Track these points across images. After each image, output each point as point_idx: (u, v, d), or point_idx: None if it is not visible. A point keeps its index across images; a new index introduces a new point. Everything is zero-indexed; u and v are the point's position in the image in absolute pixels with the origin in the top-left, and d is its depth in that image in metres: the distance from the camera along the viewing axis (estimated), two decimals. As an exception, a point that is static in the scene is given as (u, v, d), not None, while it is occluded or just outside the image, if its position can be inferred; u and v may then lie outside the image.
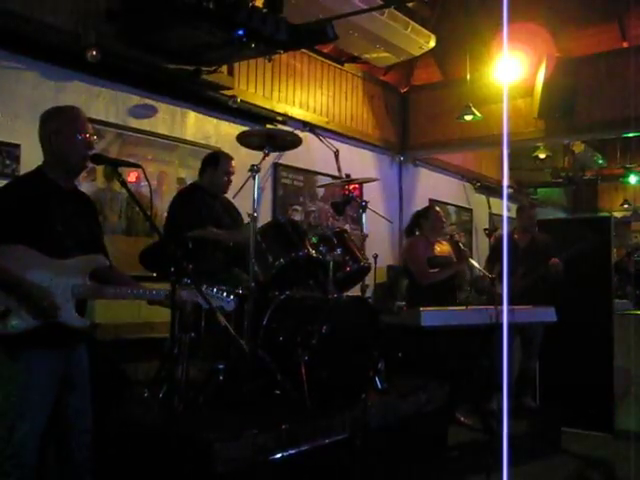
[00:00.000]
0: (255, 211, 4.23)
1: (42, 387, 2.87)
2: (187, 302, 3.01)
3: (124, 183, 2.88)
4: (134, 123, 5.76)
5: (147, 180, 3.10)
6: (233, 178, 4.76)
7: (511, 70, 7.36)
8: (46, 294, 2.79)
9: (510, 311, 5.20)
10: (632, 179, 12.71)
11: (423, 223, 6.26)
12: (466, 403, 5.75)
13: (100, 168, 5.24)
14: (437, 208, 6.69)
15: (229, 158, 4.80)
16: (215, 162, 4.77)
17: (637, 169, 12.55)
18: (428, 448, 4.84)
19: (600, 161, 11.93)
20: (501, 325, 4.93)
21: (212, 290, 3.20)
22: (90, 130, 3.08)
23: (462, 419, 5.78)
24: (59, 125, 3.02)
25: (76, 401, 3.04)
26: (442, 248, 6.26)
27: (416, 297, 6.08)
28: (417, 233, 6.29)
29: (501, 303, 5.09)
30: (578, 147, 11.01)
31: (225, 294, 3.23)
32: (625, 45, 7.97)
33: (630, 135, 8.56)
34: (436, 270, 6.00)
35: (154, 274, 4.22)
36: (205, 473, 3.26)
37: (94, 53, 4.95)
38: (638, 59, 7.21)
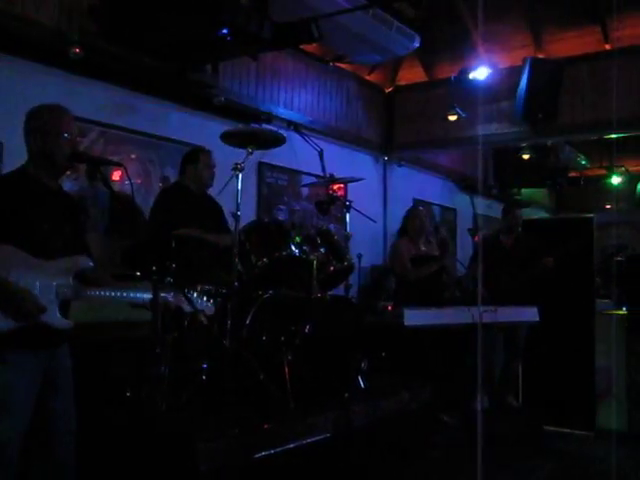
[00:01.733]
0: (238, 210, 4.23)
1: (24, 388, 2.85)
2: (171, 305, 2.99)
3: (106, 182, 2.87)
4: (117, 121, 5.72)
5: (129, 179, 3.08)
6: (215, 171, 4.75)
7: (493, 70, 7.41)
8: (29, 296, 2.76)
9: (493, 311, 5.23)
10: (615, 180, 12.81)
11: (407, 224, 6.35)
12: (449, 402, 5.77)
13: (83, 166, 5.20)
14: (420, 208, 6.74)
15: (208, 152, 4.80)
16: (195, 158, 4.76)
17: (620, 170, 12.65)
18: (411, 447, 4.85)
19: (583, 162, 12.00)
20: (484, 325, 4.98)
21: (192, 294, 3.19)
22: (75, 130, 3.06)
23: (445, 418, 5.80)
24: (44, 123, 2.98)
25: (59, 402, 3.02)
26: (428, 247, 6.30)
27: (403, 296, 6.12)
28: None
29: (485, 303, 5.14)
30: (562, 148, 11.08)
31: (205, 298, 3.21)
32: (607, 47, 8.03)
33: (612, 136, 8.62)
34: (418, 269, 6.05)
35: (137, 273, 4.21)
36: (188, 472, 3.25)
37: (77, 50, 4.93)
38: (620, 61, 7.27)
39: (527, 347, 6.25)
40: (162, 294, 2.85)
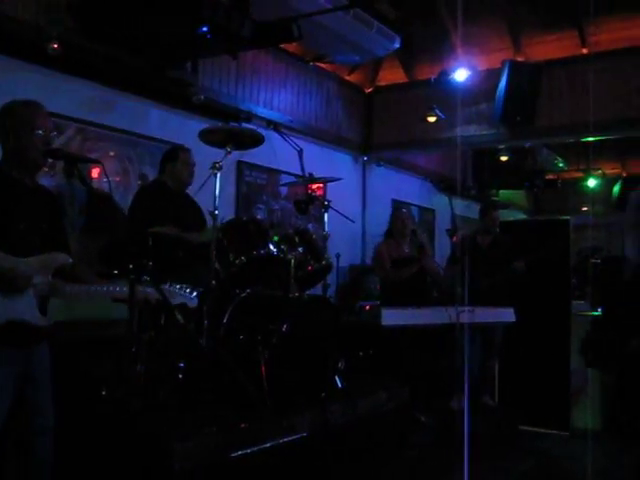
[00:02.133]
0: (217, 209, 4.22)
1: (2, 384, 2.82)
2: (151, 299, 2.97)
3: (83, 179, 2.85)
4: (96, 118, 5.69)
5: (107, 176, 3.07)
6: (194, 170, 4.74)
7: (473, 72, 7.46)
8: (15, 265, 2.74)
9: (470, 311, 5.27)
10: (591, 182, 12.93)
11: (391, 225, 6.44)
12: (427, 402, 5.79)
13: (61, 163, 5.16)
14: (403, 210, 6.79)
15: (187, 150, 4.78)
16: (174, 156, 4.74)
17: (597, 173, 12.77)
18: (388, 447, 4.87)
19: (561, 164, 12.11)
20: (462, 325, 5.02)
21: (175, 287, 3.18)
22: (50, 126, 3.02)
23: (422, 418, 5.82)
24: (18, 120, 2.95)
25: (37, 400, 3.00)
26: (411, 248, 6.35)
27: (387, 297, 6.16)
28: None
29: (462, 303, 5.17)
30: (539, 151, 11.18)
31: (188, 290, 3.20)
32: (584, 51, 8.11)
33: (589, 139, 8.70)
34: (397, 271, 6.08)
35: (115, 271, 4.18)
36: (164, 471, 3.24)
37: (55, 46, 4.89)
38: (596, 65, 7.36)
39: (503, 347, 6.29)
40: (142, 288, 2.83)
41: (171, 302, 2.88)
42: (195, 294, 3.24)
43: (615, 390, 3.20)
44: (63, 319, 4.62)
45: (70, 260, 3.03)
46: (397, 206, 8.89)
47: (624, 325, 3.20)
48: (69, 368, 4.32)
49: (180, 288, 3.21)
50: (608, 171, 13.04)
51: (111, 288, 3.01)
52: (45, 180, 5.13)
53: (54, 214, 3.14)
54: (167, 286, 3.02)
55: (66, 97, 5.42)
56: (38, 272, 2.86)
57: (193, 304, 3.24)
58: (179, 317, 2.84)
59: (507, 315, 5.79)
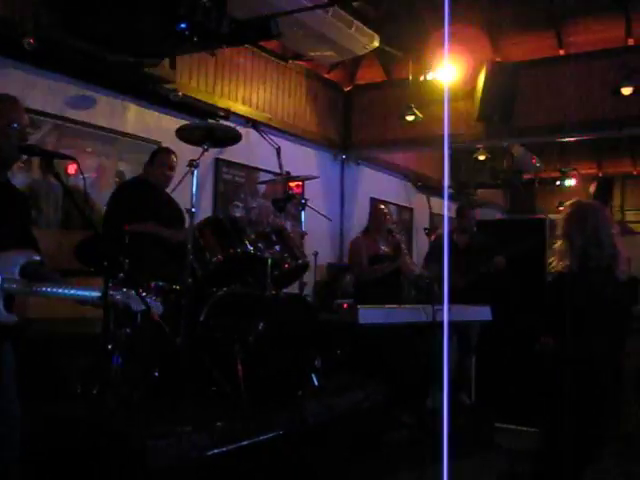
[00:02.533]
0: (193, 206, 4.21)
1: None
2: (119, 303, 2.92)
3: (58, 176, 2.81)
4: (72, 114, 5.64)
5: (82, 173, 3.03)
6: (172, 173, 4.72)
7: (451, 72, 7.49)
8: None
9: (447, 310, 5.29)
10: (567, 182, 13.05)
11: (369, 222, 6.38)
12: (403, 400, 5.82)
13: (36, 159, 5.12)
14: (381, 206, 6.78)
15: (167, 152, 4.77)
16: (152, 156, 4.75)
17: (572, 173, 12.88)
18: (364, 445, 4.88)
19: (538, 164, 12.19)
20: (439, 323, 5.04)
21: (142, 293, 3.12)
22: (25, 121, 2.99)
23: (399, 416, 5.85)
24: None
25: (2, 401, 2.95)
26: (389, 246, 6.33)
27: (361, 295, 6.16)
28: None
29: (439, 302, 5.20)
30: (517, 150, 11.24)
31: (154, 297, 3.16)
32: (561, 53, 8.19)
33: (565, 140, 8.79)
34: (374, 268, 6.08)
35: (91, 269, 4.16)
36: (139, 470, 3.23)
37: (31, 41, 4.83)
38: (573, 66, 7.44)
39: (480, 345, 6.34)
40: (110, 292, 2.78)
41: (145, 305, 2.84)
42: (159, 302, 3.18)
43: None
44: (37, 316, 4.61)
45: (38, 257, 2.98)
46: (376, 203, 8.90)
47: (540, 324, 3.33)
48: (44, 365, 4.29)
49: (146, 295, 3.16)
50: (584, 171, 13.16)
51: (79, 292, 2.95)
52: (21, 176, 5.09)
53: (22, 211, 3.09)
54: (133, 293, 2.96)
55: (42, 93, 5.38)
56: (4, 269, 2.81)
57: (159, 311, 3.20)
58: (155, 316, 2.81)
59: (484, 313, 5.83)
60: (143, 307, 2.91)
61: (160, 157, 4.73)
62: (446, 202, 9.50)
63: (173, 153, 4.79)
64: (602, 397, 3.08)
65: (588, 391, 3.07)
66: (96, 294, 2.84)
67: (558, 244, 3.28)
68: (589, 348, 3.06)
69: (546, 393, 3.19)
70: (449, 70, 7.55)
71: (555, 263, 3.25)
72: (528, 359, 6.28)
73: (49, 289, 2.89)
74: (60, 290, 2.90)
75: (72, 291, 2.92)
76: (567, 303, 3.09)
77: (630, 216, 13.88)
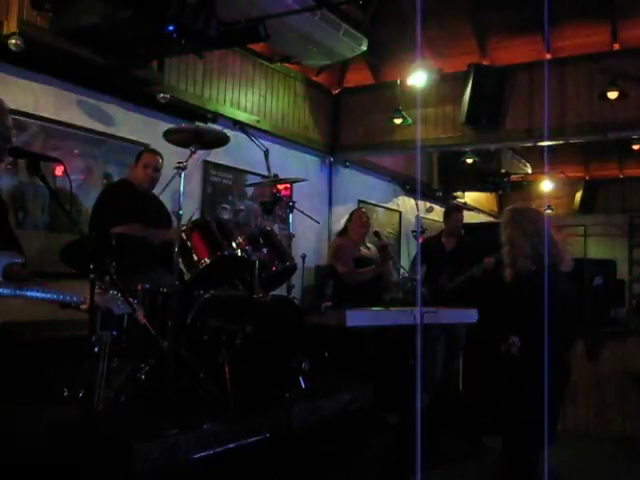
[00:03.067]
0: (181, 209, 4.21)
1: None
2: (100, 306, 2.91)
3: (43, 178, 2.81)
4: (59, 116, 5.61)
5: (67, 176, 3.02)
6: (156, 174, 4.71)
7: (439, 75, 7.53)
8: None
9: (434, 312, 5.32)
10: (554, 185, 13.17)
11: (349, 225, 6.39)
12: (391, 402, 5.83)
13: (23, 161, 5.09)
14: (362, 209, 6.80)
15: (152, 153, 4.77)
16: (137, 158, 4.75)
17: (559, 176, 12.97)
18: (352, 447, 4.89)
19: (525, 167, 12.26)
20: (425, 326, 5.06)
21: (121, 297, 3.11)
22: (9, 122, 2.98)
23: (387, 418, 5.85)
24: None
25: None
26: (369, 249, 6.35)
27: (342, 297, 6.15)
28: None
29: (425, 304, 5.22)
30: (505, 154, 11.31)
31: (135, 300, 3.15)
32: (548, 57, 8.24)
33: (551, 144, 8.84)
34: (361, 270, 6.10)
35: (77, 271, 4.14)
36: (124, 473, 3.22)
37: (17, 42, 4.81)
38: (559, 71, 7.50)
39: (467, 347, 6.35)
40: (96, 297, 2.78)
41: (128, 309, 2.83)
42: (140, 305, 3.18)
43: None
44: (21, 319, 4.59)
45: (20, 260, 2.96)
46: (359, 205, 8.91)
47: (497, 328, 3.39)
48: (29, 369, 4.27)
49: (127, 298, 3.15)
50: (571, 174, 13.25)
51: (61, 296, 2.94)
52: (7, 178, 5.07)
53: (3, 214, 3.06)
54: (115, 295, 2.96)
55: (29, 94, 5.36)
56: None
57: (141, 317, 3.20)
58: (140, 318, 2.81)
59: (470, 316, 5.84)
60: (125, 310, 2.90)
61: (143, 158, 4.73)
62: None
63: (158, 154, 4.78)
64: (539, 394, 3.13)
65: (534, 388, 3.12)
66: (77, 298, 2.83)
67: (505, 250, 3.37)
68: (542, 347, 3.12)
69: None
70: (436, 73, 7.60)
71: (516, 265, 3.32)
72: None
73: (32, 291, 2.87)
74: (42, 293, 2.89)
75: (54, 295, 2.90)
76: (525, 303, 3.18)
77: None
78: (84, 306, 2.86)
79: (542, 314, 3.10)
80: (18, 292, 2.85)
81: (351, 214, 6.58)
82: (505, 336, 3.21)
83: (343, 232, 6.48)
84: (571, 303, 3.38)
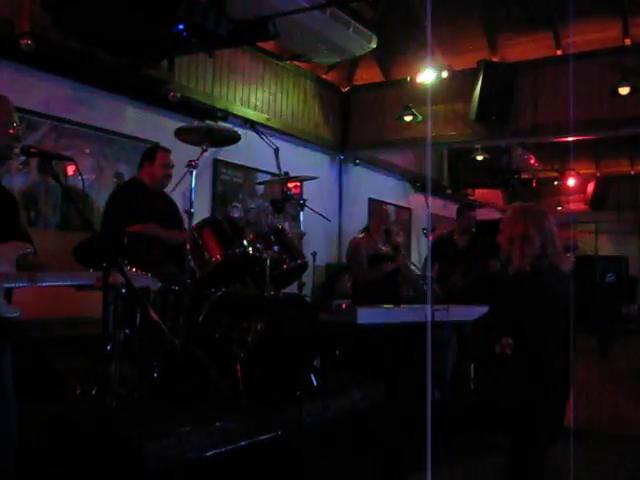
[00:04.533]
0: (192, 207, 4.22)
1: None
2: (118, 285, 2.92)
3: (56, 177, 2.81)
4: (71, 116, 5.64)
5: (80, 174, 3.03)
6: (172, 172, 4.72)
7: (449, 72, 7.52)
8: None
9: (446, 310, 5.30)
10: (566, 182, 13.10)
11: (369, 222, 6.40)
12: (402, 400, 5.82)
13: (35, 160, 5.12)
14: (383, 207, 6.80)
15: (166, 151, 4.76)
16: (152, 156, 4.73)
17: (570, 173, 12.92)
18: (363, 445, 4.89)
19: (536, 164, 12.23)
20: (437, 323, 5.05)
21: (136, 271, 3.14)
22: (14, 119, 2.97)
23: (398, 416, 5.84)
24: None
25: (1, 400, 2.93)
26: (388, 246, 6.33)
27: (359, 295, 6.16)
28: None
29: (438, 302, 5.20)
30: (515, 150, 11.28)
31: (149, 274, 3.17)
32: (559, 53, 8.20)
33: (562, 140, 8.81)
34: (375, 268, 6.09)
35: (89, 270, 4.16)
36: (137, 471, 3.23)
37: (29, 42, 4.84)
38: (570, 67, 7.46)
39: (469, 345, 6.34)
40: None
41: (134, 285, 2.84)
42: (157, 279, 3.21)
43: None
44: (36, 317, 4.62)
45: (32, 250, 2.96)
46: (378, 204, 8.91)
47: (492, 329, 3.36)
48: (43, 366, 4.29)
49: (142, 273, 3.18)
50: (582, 171, 13.19)
51: (78, 278, 2.96)
52: (19, 177, 5.10)
53: (11, 208, 3.06)
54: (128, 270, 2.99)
55: (40, 94, 5.38)
56: (2, 263, 2.78)
57: (155, 287, 3.21)
58: (153, 315, 2.82)
59: (482, 313, 5.82)
60: (144, 284, 2.92)
61: (160, 157, 4.72)
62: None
63: (169, 151, 4.79)
64: (547, 395, 3.11)
65: (534, 388, 3.11)
66: (91, 279, 2.85)
67: (517, 245, 3.29)
68: (543, 347, 3.11)
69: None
70: (446, 70, 7.58)
71: (516, 263, 3.27)
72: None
73: (46, 280, 2.88)
74: (56, 280, 2.90)
75: (68, 280, 2.92)
76: (525, 303, 3.16)
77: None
78: (98, 283, 2.87)
79: (539, 314, 3.10)
80: (33, 283, 2.86)
81: (371, 211, 6.62)
82: (499, 337, 3.19)
83: (365, 229, 6.47)
84: (566, 304, 3.33)
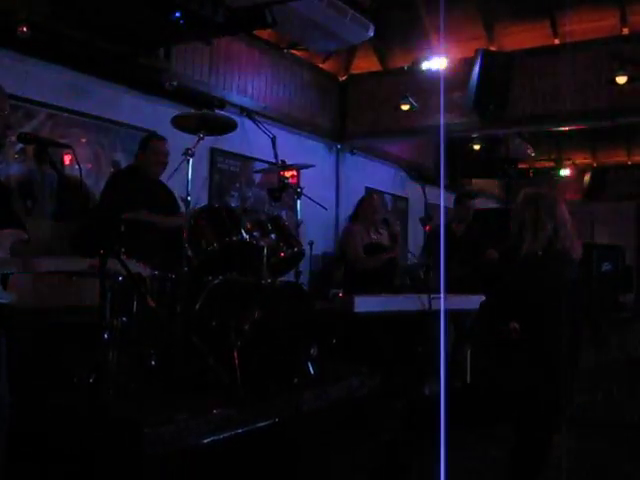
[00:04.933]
0: (189, 195, 4.22)
1: None
2: (114, 273, 2.93)
3: (53, 164, 2.81)
4: (67, 104, 5.62)
5: (77, 162, 3.02)
6: (166, 160, 4.72)
7: (446, 61, 7.50)
8: None
9: (442, 299, 5.31)
10: (562, 172, 13.10)
11: (359, 210, 6.37)
12: (399, 388, 5.84)
13: (31, 149, 5.11)
14: (374, 196, 6.78)
15: (160, 139, 4.76)
16: (145, 144, 4.73)
17: (568, 163, 12.92)
18: (360, 433, 4.91)
19: (533, 154, 12.22)
20: (435, 312, 5.06)
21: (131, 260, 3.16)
22: (6, 106, 2.96)
23: (395, 404, 5.87)
24: None
25: None
26: (379, 237, 6.34)
27: (352, 284, 6.15)
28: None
29: (435, 291, 5.20)
30: (512, 140, 11.25)
31: (134, 261, 3.18)
32: (556, 42, 8.20)
33: (559, 129, 8.81)
34: (371, 257, 6.09)
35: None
36: (135, 457, 3.24)
37: (25, 30, 4.81)
38: (567, 56, 7.45)
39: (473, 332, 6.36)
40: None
41: (130, 270, 2.85)
42: (143, 264, 3.22)
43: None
44: (33, 306, 4.62)
45: (26, 236, 2.97)
46: (369, 192, 8.88)
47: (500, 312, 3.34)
48: (40, 355, 4.30)
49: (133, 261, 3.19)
50: (579, 161, 13.20)
51: (73, 263, 2.97)
52: (15, 166, 5.09)
53: (5, 196, 3.06)
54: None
55: (37, 82, 5.36)
56: None
57: (145, 274, 3.22)
58: (150, 302, 2.83)
59: (479, 302, 5.83)
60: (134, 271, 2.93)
61: (153, 145, 4.72)
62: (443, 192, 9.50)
63: (165, 139, 4.78)
64: (552, 379, 3.11)
65: (540, 373, 3.10)
66: (86, 263, 2.85)
67: (527, 230, 3.27)
68: (550, 331, 3.10)
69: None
70: (444, 59, 7.56)
71: (527, 247, 3.25)
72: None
73: (44, 263, 2.88)
74: (52, 266, 2.91)
75: (63, 265, 2.93)
76: (533, 286, 3.14)
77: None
78: (94, 263, 2.88)
79: (548, 298, 3.09)
80: (27, 269, 2.86)
81: (362, 199, 6.56)
82: (506, 321, 3.19)
83: (354, 218, 6.44)
84: (576, 291, 3.33)
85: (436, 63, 7.64)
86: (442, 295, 4.88)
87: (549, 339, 3.09)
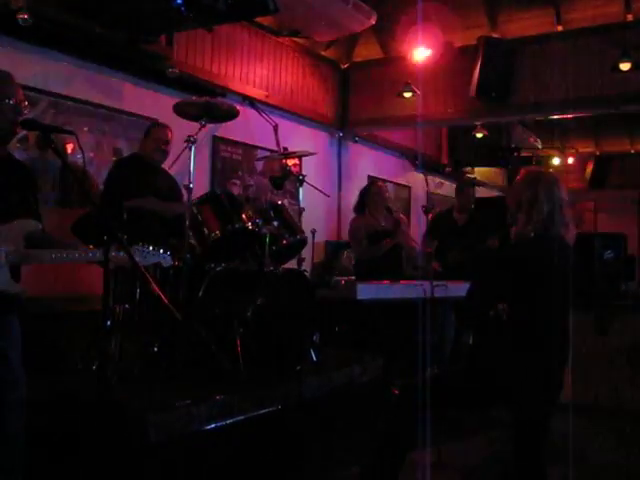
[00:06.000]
0: (191, 182, 4.22)
1: None
2: (125, 263, 2.94)
3: (57, 150, 2.81)
4: (69, 92, 5.61)
5: (81, 149, 3.03)
6: (168, 147, 4.71)
7: (448, 49, 7.47)
8: None
9: (444, 286, 5.33)
10: (566, 160, 13.07)
11: (367, 200, 6.34)
12: (401, 375, 5.84)
13: (33, 136, 5.11)
14: (379, 183, 6.77)
15: (162, 126, 4.76)
16: (147, 131, 4.74)
17: (570, 151, 12.89)
18: (362, 420, 4.92)
19: (536, 142, 12.19)
20: (435, 300, 5.07)
21: (148, 247, 3.17)
22: (20, 95, 2.98)
23: (397, 391, 5.87)
24: None
25: (7, 372, 2.97)
26: (387, 224, 6.33)
27: (361, 272, 6.17)
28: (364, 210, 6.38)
29: (437, 278, 5.20)
30: (515, 128, 11.21)
31: (161, 250, 3.20)
32: (560, 29, 8.15)
33: (562, 117, 8.78)
34: (373, 247, 6.09)
35: (89, 246, 4.17)
36: (138, 443, 3.26)
37: (25, 17, 4.80)
38: (571, 43, 7.42)
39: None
40: (115, 253, 2.83)
41: (140, 264, 2.86)
42: (168, 253, 3.24)
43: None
44: (37, 293, 4.62)
45: (40, 227, 2.99)
46: (373, 179, 8.88)
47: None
48: (44, 342, 4.31)
49: (152, 249, 3.20)
50: (582, 149, 13.16)
51: (84, 254, 3.00)
52: (17, 153, 5.08)
53: (25, 184, 3.09)
54: (140, 247, 3.02)
55: (38, 70, 5.35)
56: (7, 240, 2.82)
57: (167, 263, 3.24)
58: (154, 288, 2.82)
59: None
60: (153, 260, 2.95)
61: (153, 132, 4.72)
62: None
63: (168, 127, 4.78)
64: (545, 361, 3.08)
65: (529, 356, 3.08)
66: (98, 253, 2.88)
67: (524, 209, 3.19)
68: (542, 314, 3.06)
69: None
70: (446, 46, 7.54)
71: (520, 228, 3.18)
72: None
73: (55, 256, 2.91)
74: (65, 255, 2.93)
75: (77, 255, 2.95)
76: (526, 270, 3.07)
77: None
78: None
79: (538, 282, 3.05)
80: (40, 260, 2.89)
81: (367, 188, 6.52)
82: (494, 303, 3.15)
83: (360, 208, 6.39)
84: (569, 279, 3.26)
85: (437, 51, 7.61)
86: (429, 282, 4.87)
87: (540, 325, 3.06)
